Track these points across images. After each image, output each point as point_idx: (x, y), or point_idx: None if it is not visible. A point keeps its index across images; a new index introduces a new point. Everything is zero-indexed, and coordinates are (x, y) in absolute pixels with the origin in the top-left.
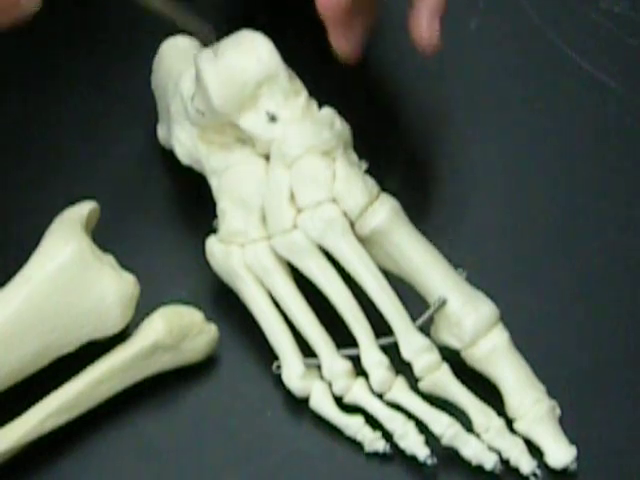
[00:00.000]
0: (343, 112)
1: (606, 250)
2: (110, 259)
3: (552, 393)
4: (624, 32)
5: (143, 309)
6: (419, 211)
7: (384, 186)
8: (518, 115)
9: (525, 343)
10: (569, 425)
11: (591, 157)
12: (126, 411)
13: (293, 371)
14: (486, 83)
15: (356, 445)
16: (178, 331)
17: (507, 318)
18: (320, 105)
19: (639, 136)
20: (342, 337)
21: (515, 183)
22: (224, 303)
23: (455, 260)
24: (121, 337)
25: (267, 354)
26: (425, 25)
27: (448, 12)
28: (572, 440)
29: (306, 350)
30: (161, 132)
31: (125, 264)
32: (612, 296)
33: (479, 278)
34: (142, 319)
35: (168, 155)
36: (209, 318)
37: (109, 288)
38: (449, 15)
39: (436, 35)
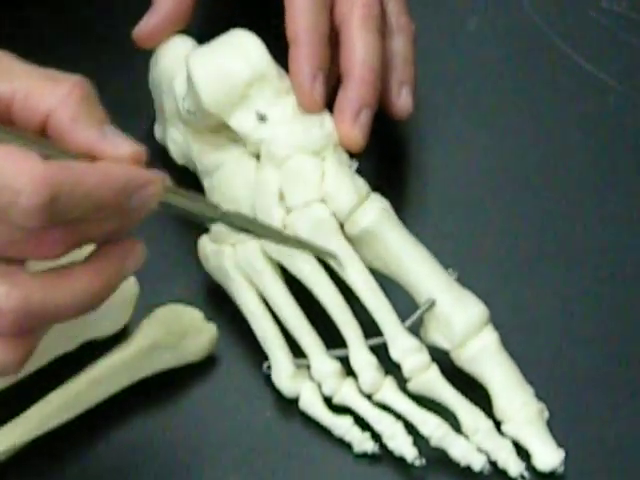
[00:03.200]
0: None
1: (602, 251)
2: None
3: (541, 395)
4: (624, 31)
5: (142, 308)
6: (410, 211)
7: (374, 186)
8: (517, 115)
9: (514, 345)
10: (557, 428)
11: (591, 156)
12: (125, 410)
13: (283, 371)
14: (485, 83)
15: (346, 445)
16: (177, 331)
17: (497, 319)
18: None
19: (639, 135)
20: (332, 338)
21: (512, 183)
22: (224, 303)
23: (445, 260)
24: (121, 336)
25: (266, 354)
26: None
27: (447, 11)
28: (560, 443)
29: (297, 350)
30: (158, 131)
31: None
32: (603, 298)
33: (469, 279)
34: (141, 319)
35: (165, 154)
36: (209, 318)
37: None
38: (448, 15)
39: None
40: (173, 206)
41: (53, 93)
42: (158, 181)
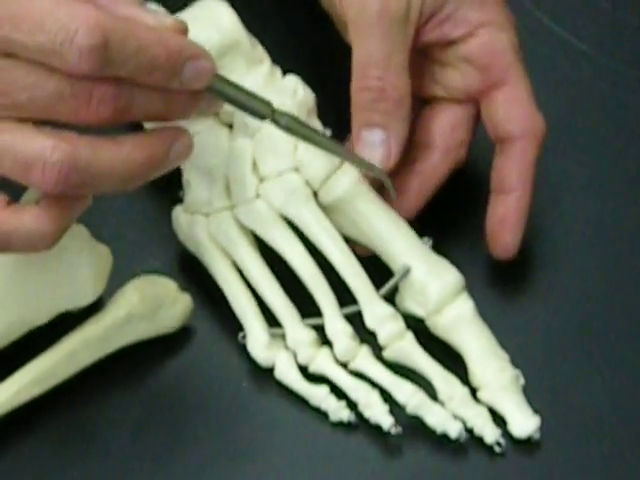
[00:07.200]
0: (308, 80)
1: (575, 216)
2: (83, 230)
3: (516, 362)
4: None
5: (116, 280)
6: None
7: None
8: None
9: (489, 312)
10: (533, 394)
11: (564, 122)
12: (100, 382)
13: (258, 341)
14: None
15: (322, 414)
16: (152, 301)
17: (472, 287)
18: (284, 73)
19: (613, 100)
20: (307, 307)
21: (485, 149)
22: (198, 273)
23: (420, 228)
24: (95, 308)
25: (241, 324)
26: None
27: None
28: (536, 409)
29: (272, 320)
30: None
31: (98, 235)
32: (578, 265)
33: (444, 247)
34: (116, 290)
35: (137, 125)
36: (183, 288)
37: (83, 259)
38: None
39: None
40: (224, 94)
41: None
42: (212, 59)
